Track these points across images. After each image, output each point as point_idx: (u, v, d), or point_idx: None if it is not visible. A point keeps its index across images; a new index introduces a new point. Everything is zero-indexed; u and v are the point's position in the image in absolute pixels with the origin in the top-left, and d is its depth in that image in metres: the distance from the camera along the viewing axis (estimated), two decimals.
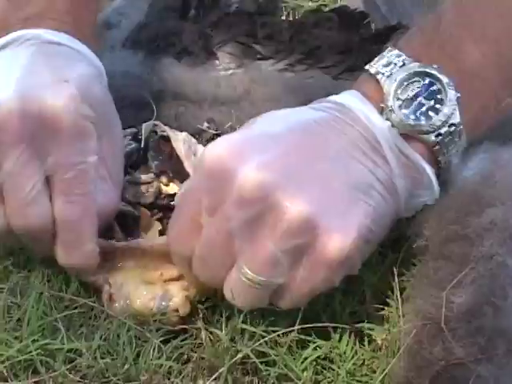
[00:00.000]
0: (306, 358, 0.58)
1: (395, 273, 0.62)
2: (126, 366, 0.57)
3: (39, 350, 0.58)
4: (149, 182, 0.69)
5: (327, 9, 0.94)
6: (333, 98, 0.60)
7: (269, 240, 0.54)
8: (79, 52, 0.64)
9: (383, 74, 0.59)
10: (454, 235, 0.56)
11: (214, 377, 0.56)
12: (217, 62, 0.81)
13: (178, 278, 0.62)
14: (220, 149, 0.56)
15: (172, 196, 0.69)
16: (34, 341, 0.58)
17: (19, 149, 0.58)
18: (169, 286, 0.62)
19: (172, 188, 0.70)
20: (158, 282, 0.62)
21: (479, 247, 0.54)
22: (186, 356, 0.60)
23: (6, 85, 0.59)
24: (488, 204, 0.55)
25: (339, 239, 0.54)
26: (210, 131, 0.76)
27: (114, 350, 0.59)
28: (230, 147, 0.56)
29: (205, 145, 0.74)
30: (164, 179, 0.70)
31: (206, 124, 0.76)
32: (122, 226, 0.66)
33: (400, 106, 0.58)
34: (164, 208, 0.69)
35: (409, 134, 0.58)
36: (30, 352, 0.58)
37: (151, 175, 0.70)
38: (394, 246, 0.65)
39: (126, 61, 0.80)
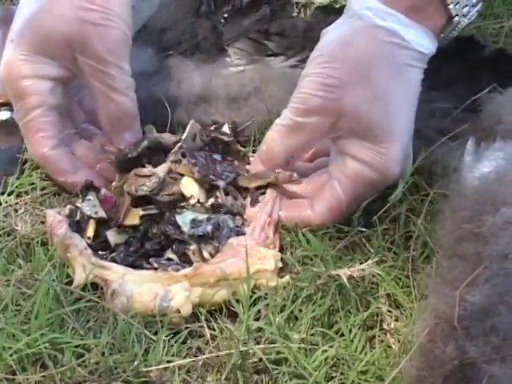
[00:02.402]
0: (317, 357, 0.57)
1: (408, 271, 0.62)
2: (136, 363, 0.57)
3: (47, 344, 0.58)
4: (147, 176, 0.69)
5: (338, 5, 0.93)
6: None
7: None
8: None
9: None
10: (468, 234, 0.55)
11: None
12: (228, 59, 0.81)
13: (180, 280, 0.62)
14: None
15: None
16: (42, 334, 0.58)
17: None
18: (170, 287, 0.62)
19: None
20: (160, 282, 0.62)
21: (494, 246, 0.53)
22: (193, 352, 0.60)
23: None
24: (503, 203, 0.55)
25: None
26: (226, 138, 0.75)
27: (121, 347, 0.59)
28: None
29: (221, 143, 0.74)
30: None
31: (227, 126, 0.76)
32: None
33: None
34: (162, 206, 0.68)
35: None
36: (39, 346, 0.57)
37: (154, 170, 0.69)
38: (406, 245, 0.65)
39: (138, 58, 0.79)
